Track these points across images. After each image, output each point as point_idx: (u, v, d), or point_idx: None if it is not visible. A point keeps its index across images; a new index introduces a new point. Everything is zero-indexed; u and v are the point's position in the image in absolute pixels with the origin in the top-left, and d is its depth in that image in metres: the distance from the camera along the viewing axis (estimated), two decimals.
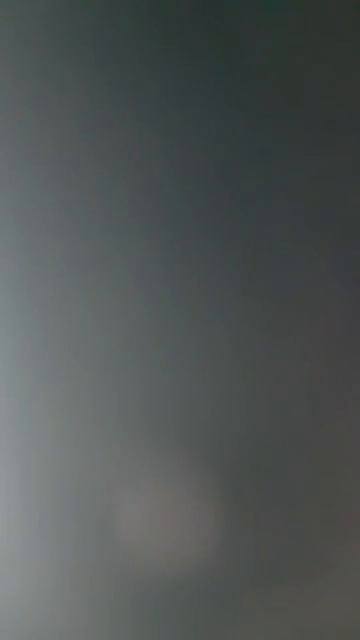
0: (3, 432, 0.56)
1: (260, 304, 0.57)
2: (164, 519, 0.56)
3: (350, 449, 0.56)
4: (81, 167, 0.57)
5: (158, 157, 0.57)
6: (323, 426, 0.56)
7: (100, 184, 0.57)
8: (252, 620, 0.56)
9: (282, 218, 0.57)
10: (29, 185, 0.56)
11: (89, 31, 0.57)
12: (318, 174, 0.57)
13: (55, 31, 0.57)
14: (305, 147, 0.57)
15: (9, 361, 0.56)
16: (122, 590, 0.56)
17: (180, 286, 0.56)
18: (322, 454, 0.56)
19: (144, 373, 0.56)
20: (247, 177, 0.57)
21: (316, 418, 0.56)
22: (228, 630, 0.56)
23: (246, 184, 0.57)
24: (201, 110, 0.57)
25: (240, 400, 0.56)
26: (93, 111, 0.57)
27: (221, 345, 0.56)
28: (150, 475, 0.56)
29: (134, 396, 0.56)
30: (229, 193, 0.57)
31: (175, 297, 0.56)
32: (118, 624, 0.56)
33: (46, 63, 0.57)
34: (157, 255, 0.57)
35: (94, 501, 0.56)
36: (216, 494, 0.56)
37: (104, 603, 0.56)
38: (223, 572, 0.56)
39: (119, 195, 0.57)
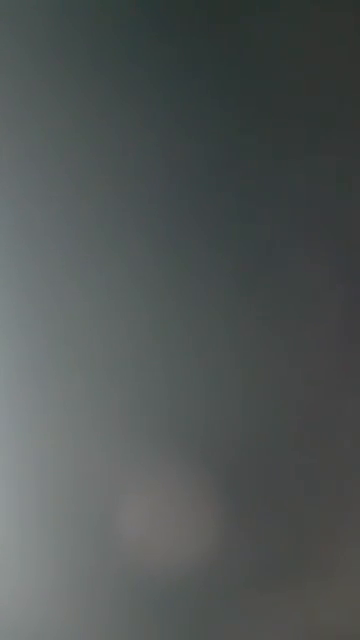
0: (1, 432, 0.56)
1: (260, 304, 0.57)
2: (163, 519, 0.56)
3: (350, 450, 0.56)
4: (80, 168, 0.57)
5: (157, 157, 0.57)
6: (323, 426, 0.56)
7: (99, 184, 0.57)
8: (252, 621, 0.56)
9: (282, 218, 0.57)
10: (27, 186, 0.57)
11: (88, 31, 0.57)
12: (318, 174, 0.57)
13: (54, 32, 0.57)
14: (305, 147, 0.57)
15: (7, 362, 0.56)
16: (121, 590, 0.56)
17: (179, 287, 0.56)
18: (322, 455, 0.56)
19: (143, 373, 0.56)
20: (246, 177, 0.57)
21: (316, 418, 0.56)
22: (227, 631, 0.56)
23: (246, 184, 0.57)
24: (201, 110, 0.57)
25: (240, 400, 0.56)
26: (92, 112, 0.57)
27: (220, 345, 0.56)
28: (149, 474, 0.56)
29: (133, 396, 0.56)
30: (228, 193, 0.57)
31: (174, 298, 0.56)
32: (117, 624, 0.55)
33: (44, 64, 0.57)
34: (156, 255, 0.57)
35: (93, 501, 0.56)
36: (215, 494, 0.56)
37: (103, 603, 0.56)
38: (222, 573, 0.56)
39: (118, 195, 0.57)
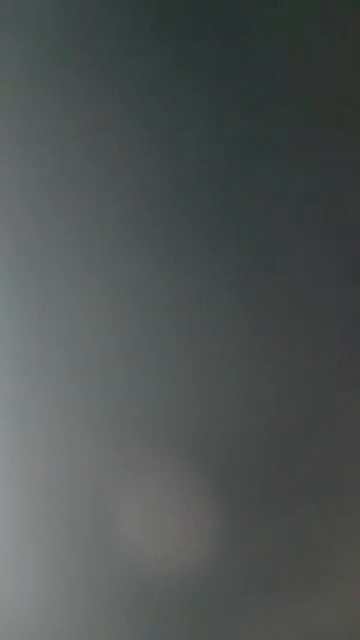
0: None
1: (259, 306, 0.56)
2: (162, 523, 0.56)
3: (351, 452, 0.56)
4: (78, 170, 0.57)
5: (156, 157, 0.57)
6: (324, 430, 0.56)
7: (97, 187, 0.57)
8: (251, 624, 0.56)
9: (282, 218, 0.57)
10: (26, 189, 0.56)
11: (86, 32, 0.57)
12: (318, 173, 0.57)
13: (54, 34, 0.57)
14: (306, 146, 0.57)
15: (4, 364, 0.56)
16: (119, 594, 0.56)
17: (178, 289, 0.56)
18: (323, 457, 0.56)
19: (140, 376, 0.56)
20: (247, 177, 0.57)
21: (317, 421, 0.56)
22: (225, 635, 0.56)
23: (246, 184, 0.57)
24: (201, 109, 0.57)
25: (239, 402, 0.56)
26: (90, 113, 0.57)
27: (219, 346, 0.56)
28: (147, 478, 0.56)
29: (130, 398, 0.56)
30: (228, 193, 0.56)
31: (172, 299, 0.56)
32: (115, 628, 0.56)
33: (44, 65, 0.57)
34: (155, 256, 0.56)
35: (91, 504, 0.56)
36: (215, 498, 0.56)
37: (101, 607, 0.56)
38: (221, 577, 0.56)
39: (117, 199, 0.57)
